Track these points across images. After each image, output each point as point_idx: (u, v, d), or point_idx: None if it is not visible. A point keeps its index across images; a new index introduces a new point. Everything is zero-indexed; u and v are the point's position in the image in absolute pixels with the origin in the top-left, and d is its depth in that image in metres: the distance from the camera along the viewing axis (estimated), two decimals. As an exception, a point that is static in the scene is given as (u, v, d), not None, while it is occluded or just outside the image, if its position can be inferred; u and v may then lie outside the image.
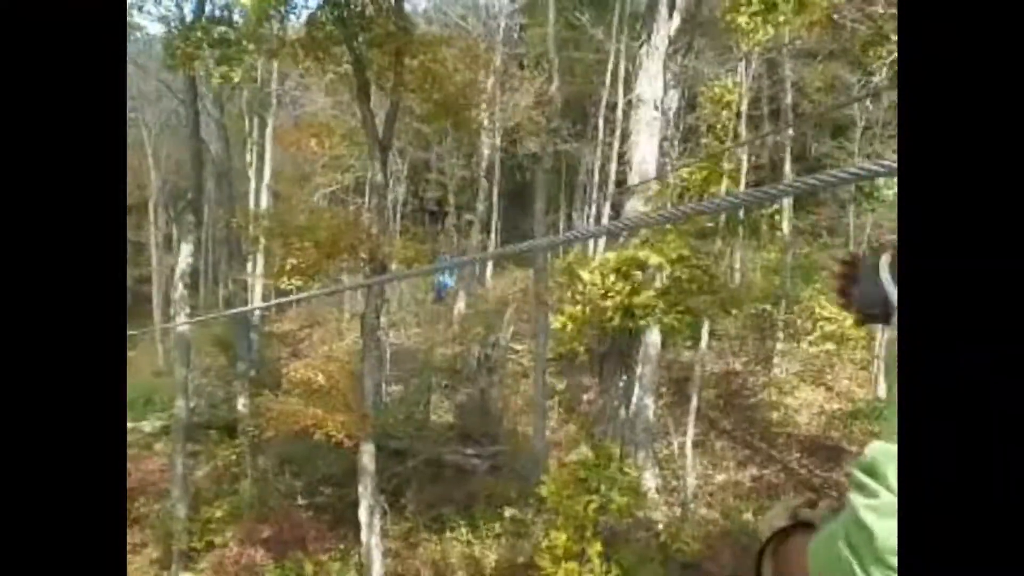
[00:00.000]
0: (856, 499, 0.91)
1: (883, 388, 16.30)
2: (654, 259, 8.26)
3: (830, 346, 16.13)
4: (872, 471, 0.90)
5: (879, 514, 0.87)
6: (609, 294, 8.06)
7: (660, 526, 12.48)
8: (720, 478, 14.59)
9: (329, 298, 29.33)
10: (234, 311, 18.23)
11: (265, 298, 25.97)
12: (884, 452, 0.90)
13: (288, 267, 12.72)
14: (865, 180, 1.05)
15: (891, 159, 1.00)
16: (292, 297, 15.07)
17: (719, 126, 13.64)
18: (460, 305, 25.17)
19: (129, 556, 13.05)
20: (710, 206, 1.50)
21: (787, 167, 21.74)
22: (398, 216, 29.12)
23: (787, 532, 1.22)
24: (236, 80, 14.99)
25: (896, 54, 11.78)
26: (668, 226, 8.79)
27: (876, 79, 14.50)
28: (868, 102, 18.14)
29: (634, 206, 9.10)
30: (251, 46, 13.21)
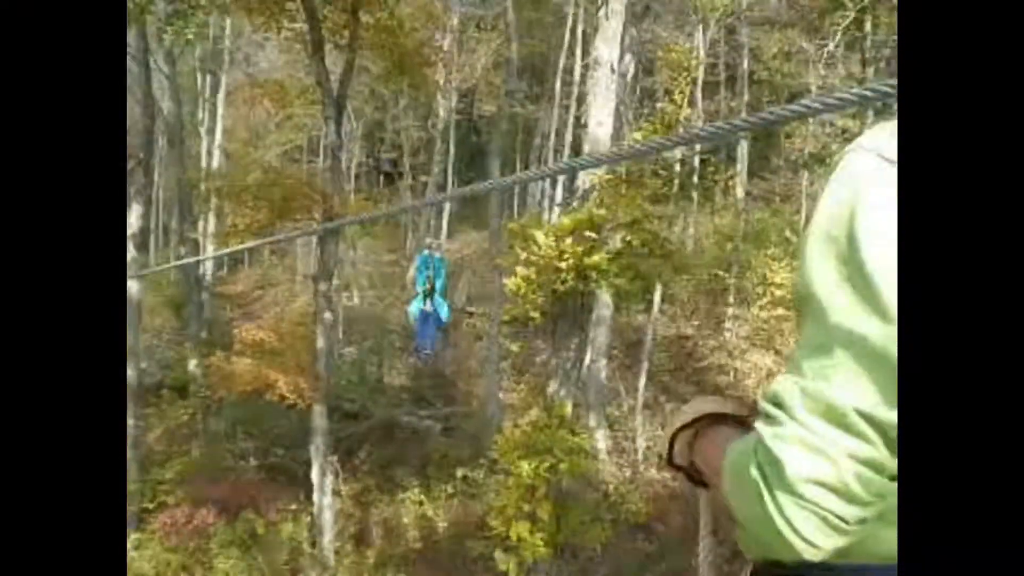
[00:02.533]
0: (763, 428, 0.95)
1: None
2: (603, 215, 8.30)
3: (780, 311, 16.34)
4: (778, 402, 0.94)
5: (785, 442, 0.91)
6: (563, 256, 8.08)
7: (610, 487, 12.64)
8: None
9: (281, 260, 29.13)
10: (181, 262, 18.00)
11: (216, 258, 25.69)
12: (789, 384, 0.94)
13: (240, 227, 12.59)
14: (861, 104, 1.06)
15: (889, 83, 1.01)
16: (242, 246, 14.97)
17: (676, 91, 13.66)
18: (414, 269, 25.11)
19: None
20: (689, 137, 1.48)
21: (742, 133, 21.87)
22: (353, 176, 28.91)
23: (710, 420, 1.27)
24: (189, 37, 14.70)
25: (849, 20, 11.89)
26: (622, 190, 8.82)
27: (831, 45, 14.59)
28: (822, 69, 18.26)
29: (589, 169, 9.10)
30: (204, 1, 12.96)
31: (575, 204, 9.11)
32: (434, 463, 14.82)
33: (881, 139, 0.96)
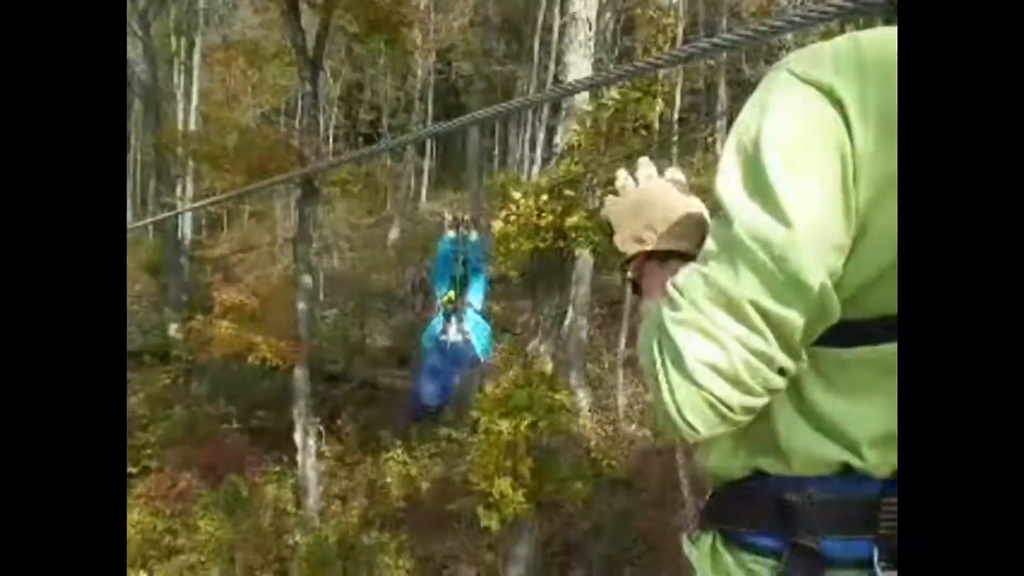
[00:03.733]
0: (665, 312, 1.01)
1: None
2: (582, 172, 8.29)
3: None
4: (681, 289, 1.00)
5: (682, 326, 0.98)
6: (542, 214, 8.09)
7: (591, 444, 12.75)
8: (649, 397, 14.88)
9: (260, 223, 28.98)
10: (159, 217, 17.90)
11: (195, 222, 25.51)
12: (694, 273, 1.00)
13: (218, 189, 12.53)
14: (843, 16, 1.09)
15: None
16: (221, 196, 14.79)
17: (655, 49, 13.59)
18: (394, 230, 25.05)
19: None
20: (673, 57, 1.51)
21: (721, 90, 21.86)
22: (331, 138, 28.70)
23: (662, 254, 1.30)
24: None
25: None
26: (601, 150, 8.80)
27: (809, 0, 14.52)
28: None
29: (568, 126, 9.08)
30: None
31: (554, 162, 9.10)
32: (416, 423, 14.89)
33: (793, 57, 1.01)
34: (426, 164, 29.51)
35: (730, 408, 0.97)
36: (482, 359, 7.37)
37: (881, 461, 1.01)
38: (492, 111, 1.38)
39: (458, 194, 26.49)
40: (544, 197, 8.15)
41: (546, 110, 21.69)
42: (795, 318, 0.94)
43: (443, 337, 7.07)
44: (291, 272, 14.40)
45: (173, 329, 17.31)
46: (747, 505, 1.11)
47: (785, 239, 0.92)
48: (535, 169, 20.11)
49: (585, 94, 9.27)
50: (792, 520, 1.05)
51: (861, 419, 1.02)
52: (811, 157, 0.94)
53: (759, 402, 0.99)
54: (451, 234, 7.53)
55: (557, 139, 9.24)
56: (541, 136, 21.71)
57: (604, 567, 11.37)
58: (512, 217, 8.26)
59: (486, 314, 7.61)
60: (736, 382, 0.96)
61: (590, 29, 9.39)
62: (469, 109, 17.60)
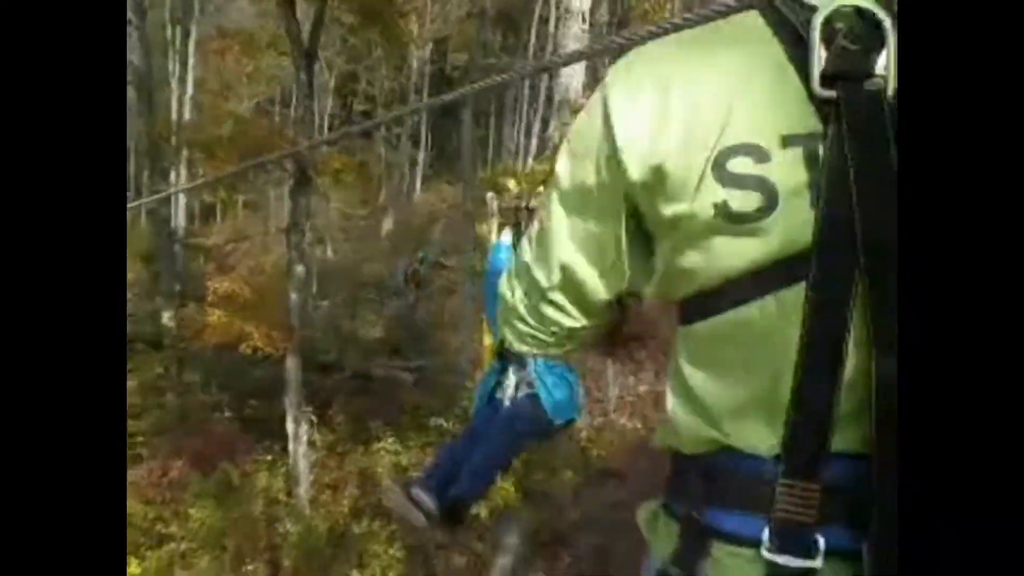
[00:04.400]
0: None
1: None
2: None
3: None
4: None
5: (509, 277, 1.37)
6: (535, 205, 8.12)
7: (582, 434, 12.76)
8: (641, 388, 14.89)
9: (254, 212, 28.95)
10: (149, 199, 17.84)
11: (189, 210, 25.48)
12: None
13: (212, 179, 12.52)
14: None
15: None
16: (214, 176, 14.73)
17: (648, 42, 13.59)
18: (388, 221, 25.05)
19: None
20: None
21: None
22: (326, 128, 28.63)
23: None
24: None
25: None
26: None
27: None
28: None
29: (562, 118, 9.12)
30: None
31: (548, 153, 9.13)
32: (408, 413, 14.89)
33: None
34: (420, 155, 29.49)
35: (520, 318, 1.34)
36: (556, 423, 4.64)
37: (748, 436, 1.03)
38: (480, 86, 1.41)
39: (452, 187, 26.48)
40: (540, 188, 8.17)
41: (541, 101, 21.73)
42: (536, 268, 1.27)
43: (498, 394, 4.64)
44: (284, 262, 14.37)
45: (166, 317, 17.23)
46: (669, 478, 1.22)
47: (547, 212, 1.22)
48: (530, 160, 20.13)
49: (580, 83, 9.32)
50: (684, 491, 1.14)
51: (717, 393, 1.07)
52: (577, 156, 1.14)
53: (540, 331, 1.34)
54: (505, 239, 5.10)
55: (551, 130, 9.28)
56: (536, 126, 21.75)
57: (593, 557, 11.43)
58: (504, 207, 8.28)
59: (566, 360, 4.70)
60: (511, 290, 1.35)
61: (584, 22, 9.43)
62: (464, 102, 17.52)
